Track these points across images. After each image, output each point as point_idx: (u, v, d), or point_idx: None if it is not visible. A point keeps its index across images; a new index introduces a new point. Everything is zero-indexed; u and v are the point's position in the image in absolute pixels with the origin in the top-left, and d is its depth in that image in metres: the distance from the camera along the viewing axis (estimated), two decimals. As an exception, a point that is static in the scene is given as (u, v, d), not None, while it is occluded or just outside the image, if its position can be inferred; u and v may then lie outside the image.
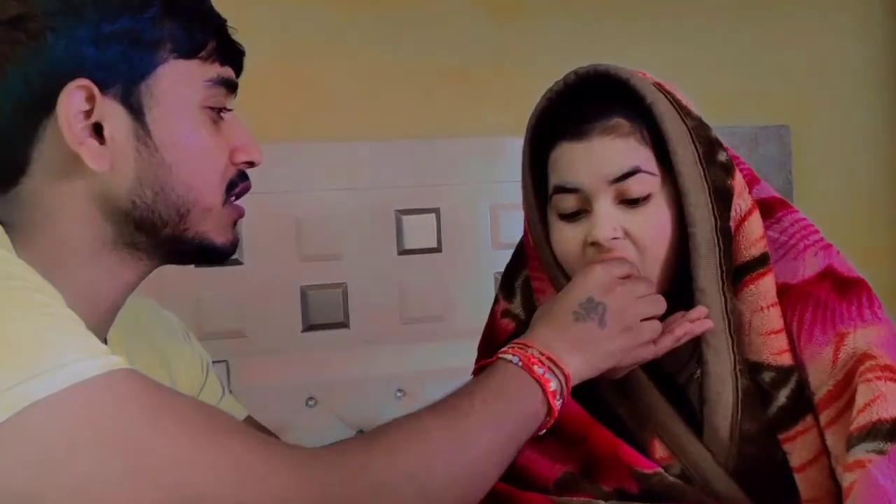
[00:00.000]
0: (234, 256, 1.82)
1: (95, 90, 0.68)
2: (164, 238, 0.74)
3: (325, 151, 1.85)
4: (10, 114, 0.68)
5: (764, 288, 0.87)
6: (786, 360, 0.86)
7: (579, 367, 0.79)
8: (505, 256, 1.88)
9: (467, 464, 0.71)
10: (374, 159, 1.87)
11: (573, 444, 0.90)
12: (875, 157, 2.04)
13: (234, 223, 0.78)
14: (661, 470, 0.88)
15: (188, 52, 0.72)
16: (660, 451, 0.89)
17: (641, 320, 0.82)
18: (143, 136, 0.71)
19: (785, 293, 0.88)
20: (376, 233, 1.87)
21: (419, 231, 1.90)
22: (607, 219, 0.85)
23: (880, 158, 2.04)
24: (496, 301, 1.02)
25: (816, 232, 0.93)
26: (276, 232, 1.83)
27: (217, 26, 0.76)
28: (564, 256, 0.89)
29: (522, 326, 0.96)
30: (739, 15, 1.97)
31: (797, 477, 0.86)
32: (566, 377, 0.78)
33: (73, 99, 0.68)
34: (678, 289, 0.88)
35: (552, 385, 0.76)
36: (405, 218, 1.89)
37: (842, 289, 0.88)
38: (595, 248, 0.86)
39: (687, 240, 0.86)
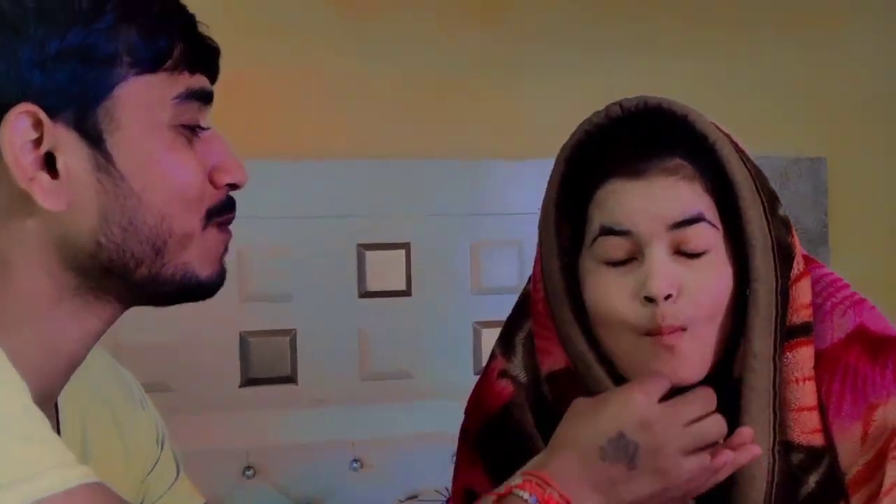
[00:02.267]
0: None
1: (43, 115, 0.70)
2: (140, 279, 0.75)
3: (272, 171, 1.90)
4: None
5: (802, 358, 0.96)
6: (818, 440, 0.95)
7: None
8: (486, 303, 2.01)
9: None
10: (333, 182, 1.95)
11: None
12: None
13: (222, 253, 0.81)
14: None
15: (151, 65, 0.73)
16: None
17: (688, 453, 0.86)
18: (104, 165, 0.72)
19: (816, 359, 0.97)
20: (333, 270, 1.96)
21: (385, 269, 1.99)
22: (665, 270, 0.91)
23: None
24: (492, 357, 1.08)
25: (846, 287, 1.02)
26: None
27: (183, 26, 0.76)
28: (608, 310, 0.93)
29: (521, 391, 1.03)
30: (771, 35, 2.09)
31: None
32: None
33: (17, 127, 0.69)
34: (725, 356, 0.96)
35: None
36: (369, 254, 1.98)
37: (874, 351, 0.97)
38: (648, 307, 0.91)
39: (741, 298, 0.94)
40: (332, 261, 1.96)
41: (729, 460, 0.86)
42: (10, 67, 0.69)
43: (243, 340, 1.92)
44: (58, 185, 0.71)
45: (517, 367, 1.05)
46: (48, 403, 0.79)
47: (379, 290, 1.99)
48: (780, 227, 0.98)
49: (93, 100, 0.71)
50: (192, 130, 0.77)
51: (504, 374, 1.05)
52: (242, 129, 1.87)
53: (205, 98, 0.78)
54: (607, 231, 0.94)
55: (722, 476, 0.88)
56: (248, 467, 1.87)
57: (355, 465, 1.91)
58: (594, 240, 0.96)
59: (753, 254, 0.94)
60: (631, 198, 0.93)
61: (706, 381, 0.97)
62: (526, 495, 0.83)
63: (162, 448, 1.01)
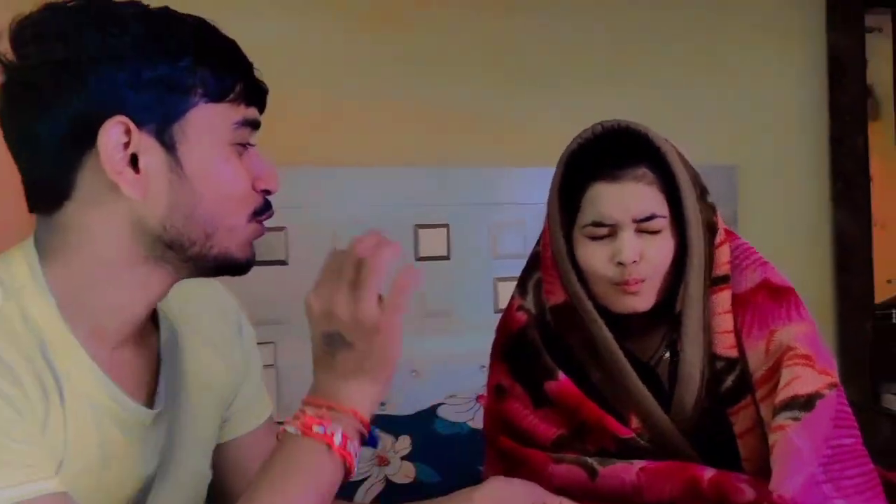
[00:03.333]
0: (280, 258, 1.98)
1: (132, 125, 0.67)
2: (192, 255, 0.72)
3: (358, 175, 1.94)
4: (56, 146, 0.67)
5: (723, 298, 0.99)
6: (734, 353, 0.98)
7: (362, 394, 0.70)
8: (502, 265, 2.02)
9: None
10: (400, 182, 1.96)
11: (567, 413, 1.01)
12: (807, 190, 2.12)
13: (252, 241, 0.75)
14: (635, 436, 1.00)
15: (217, 97, 0.70)
16: (634, 422, 1.00)
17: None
18: (175, 168, 0.69)
19: (734, 301, 1.00)
20: (398, 242, 1.97)
21: (433, 242, 2.00)
22: (631, 246, 0.95)
23: (812, 191, 2.12)
24: (512, 297, 1.11)
25: (756, 253, 1.05)
26: (318, 240, 1.92)
27: (244, 70, 0.73)
28: (591, 269, 0.98)
29: (532, 319, 1.06)
30: (694, 68, 2.06)
31: (739, 442, 0.98)
32: (353, 414, 0.69)
33: (112, 133, 0.67)
34: (669, 295, 0.99)
35: (337, 439, 0.68)
36: (421, 231, 1.99)
37: (774, 296, 1.00)
38: (620, 267, 0.96)
39: (681, 259, 0.98)
40: (398, 236, 1.95)
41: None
42: (110, 86, 0.66)
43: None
44: (139, 179, 0.68)
45: (529, 303, 1.08)
46: (120, 346, 0.74)
47: (429, 255, 1.99)
48: (708, 210, 1.00)
49: (172, 117, 0.68)
50: (243, 147, 0.73)
51: (520, 307, 1.08)
52: (339, 145, 1.92)
53: (255, 125, 0.74)
54: (597, 223, 0.97)
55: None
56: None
57: (413, 373, 1.92)
58: (585, 225, 0.98)
59: (689, 229, 0.97)
60: (610, 198, 0.97)
61: (656, 315, 1.00)
62: (291, 429, 0.70)
63: (249, 373, 0.91)
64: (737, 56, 2.08)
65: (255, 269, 1.80)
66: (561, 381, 1.00)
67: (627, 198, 0.95)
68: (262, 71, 0.76)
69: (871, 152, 2.10)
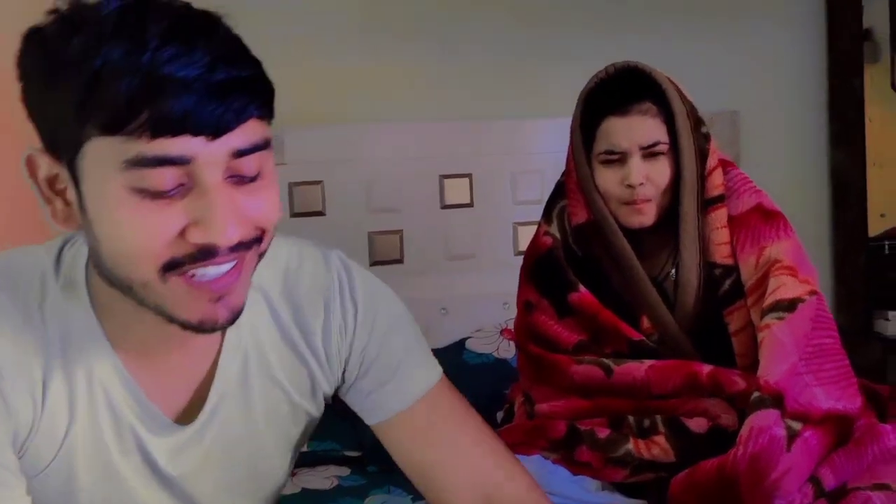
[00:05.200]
0: (318, 209, 2.13)
1: (50, 158, 0.59)
2: (139, 300, 0.61)
3: (388, 130, 2.06)
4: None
5: (720, 215, 1.14)
6: (730, 261, 1.14)
7: None
8: (521, 210, 2.16)
9: None
10: (424, 137, 2.08)
11: (587, 321, 1.17)
12: (806, 132, 2.21)
13: (206, 302, 0.59)
14: (645, 338, 1.16)
15: (109, 128, 0.55)
16: (645, 323, 1.16)
17: None
18: (83, 206, 0.59)
19: (731, 221, 1.15)
20: (425, 192, 2.09)
21: (457, 191, 2.12)
22: (638, 170, 1.10)
23: (811, 133, 2.21)
24: (539, 224, 1.25)
25: (750, 182, 1.20)
26: (351, 191, 2.07)
27: (152, 94, 0.54)
28: (606, 190, 1.14)
29: (557, 242, 1.20)
30: (695, 16, 2.13)
31: (733, 340, 1.14)
32: None
33: (40, 162, 0.60)
34: (670, 213, 1.14)
35: None
36: (446, 181, 2.10)
37: (766, 218, 1.15)
38: (629, 189, 1.11)
39: (679, 181, 1.12)
40: (424, 186, 2.07)
41: None
42: (32, 111, 0.60)
43: (370, 237, 2.08)
44: (66, 211, 0.61)
45: (554, 228, 1.22)
46: (161, 355, 0.67)
47: (453, 203, 2.11)
48: (701, 139, 1.15)
49: (72, 150, 0.57)
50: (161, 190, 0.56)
51: (546, 233, 1.22)
52: (369, 103, 2.04)
53: (169, 162, 0.55)
54: (609, 152, 1.12)
55: None
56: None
57: (443, 311, 2.05)
58: (599, 153, 1.13)
59: (682, 155, 1.12)
60: (620, 130, 1.11)
61: (662, 236, 1.15)
62: None
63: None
64: (736, 2, 2.15)
65: (295, 220, 1.99)
66: (582, 293, 1.16)
67: (635, 129, 1.10)
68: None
69: (869, 95, 2.19)
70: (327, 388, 0.77)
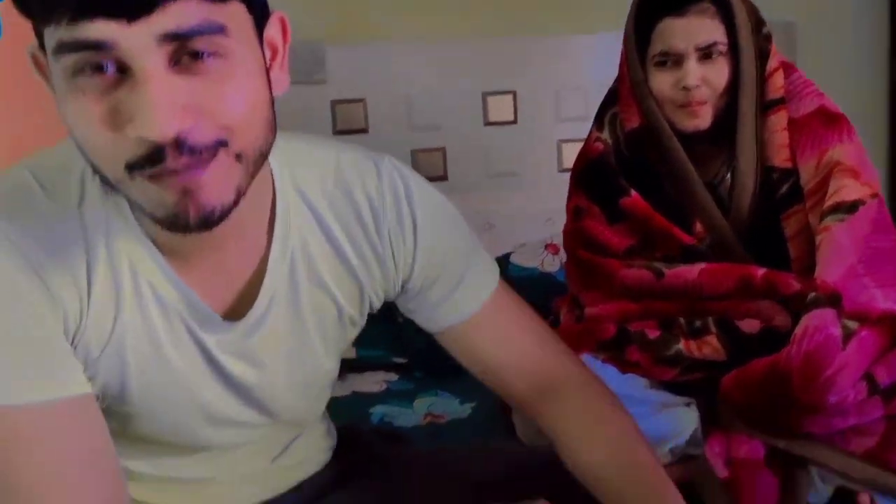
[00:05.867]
0: (361, 127, 2.13)
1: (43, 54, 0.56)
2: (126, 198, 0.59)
3: (430, 49, 2.03)
4: None
5: (780, 118, 1.12)
6: (789, 164, 1.11)
7: None
8: (565, 127, 2.13)
9: None
10: (469, 54, 2.05)
11: (638, 226, 1.16)
12: (864, 43, 2.14)
13: (176, 198, 0.54)
14: (697, 242, 1.15)
15: (43, 17, 0.52)
16: (698, 227, 1.15)
17: None
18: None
19: (791, 123, 1.12)
20: (468, 109, 2.07)
21: (501, 108, 2.09)
22: (694, 72, 1.07)
23: (869, 45, 2.14)
24: (591, 131, 1.24)
25: (812, 84, 1.16)
26: (393, 109, 2.06)
27: None
28: (661, 93, 1.11)
29: (608, 148, 1.18)
30: None
31: (789, 244, 1.13)
32: None
33: (42, 60, 0.56)
34: (726, 116, 1.11)
35: None
36: (490, 98, 2.08)
37: (828, 121, 1.12)
38: (684, 91, 1.08)
39: (736, 83, 1.09)
40: (468, 104, 2.06)
41: None
42: None
43: (413, 155, 2.09)
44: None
45: (606, 134, 1.20)
46: (204, 254, 0.64)
47: (497, 121, 2.09)
48: (762, 40, 1.11)
49: (41, 44, 0.55)
50: (103, 78, 0.52)
51: (597, 139, 1.21)
52: (411, 20, 2.00)
53: (86, 47, 0.51)
54: (664, 53, 1.09)
55: None
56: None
57: (487, 227, 2.04)
58: (654, 55, 1.10)
59: (742, 55, 1.09)
60: (676, 31, 1.08)
61: (717, 140, 1.13)
62: None
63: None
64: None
65: (337, 138, 1.98)
66: (633, 197, 1.15)
67: (692, 29, 1.07)
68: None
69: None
70: (376, 299, 0.75)
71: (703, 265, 1.11)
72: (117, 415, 0.66)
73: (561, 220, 1.27)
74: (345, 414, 1.40)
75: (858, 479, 0.98)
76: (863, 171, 1.09)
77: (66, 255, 0.60)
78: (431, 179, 2.15)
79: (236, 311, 0.67)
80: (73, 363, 0.60)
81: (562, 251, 1.73)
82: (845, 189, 1.06)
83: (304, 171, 0.69)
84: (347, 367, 1.66)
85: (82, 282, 0.61)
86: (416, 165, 2.08)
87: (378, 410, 1.45)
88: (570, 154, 1.24)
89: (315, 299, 0.70)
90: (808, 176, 1.10)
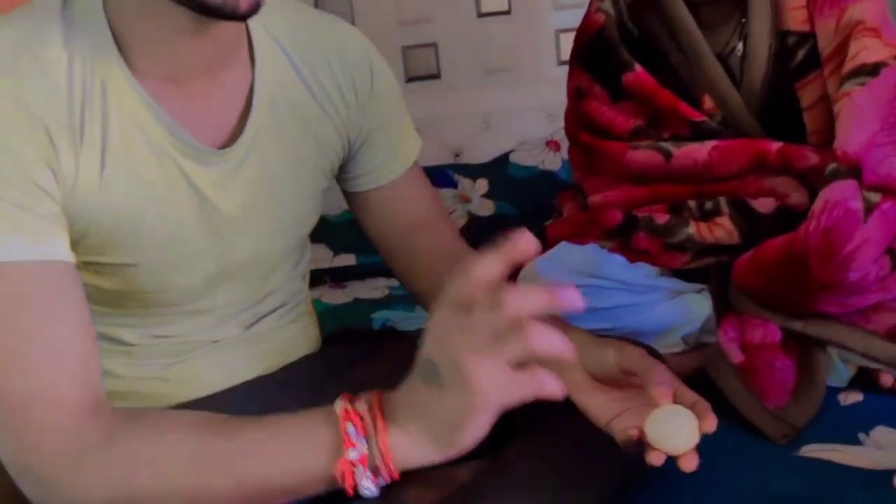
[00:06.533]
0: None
1: None
2: None
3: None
4: None
5: None
6: (806, 27, 1.02)
7: (416, 440, 0.54)
8: (563, 15, 2.02)
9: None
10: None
11: (644, 104, 1.08)
12: None
13: None
14: (707, 119, 1.07)
15: None
16: (707, 103, 1.07)
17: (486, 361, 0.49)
18: None
19: None
20: (460, 0, 1.96)
21: (493, -4, 1.98)
22: None
23: None
24: (590, 3, 1.14)
25: None
26: (381, 1, 1.94)
27: None
28: None
29: (611, 20, 1.09)
30: None
31: (806, 115, 1.05)
32: (383, 451, 0.54)
33: None
34: None
35: (352, 453, 0.54)
36: (483, -14, 1.97)
37: (847, -22, 1.02)
38: None
39: None
40: None
41: (539, 382, 0.50)
42: None
43: (403, 52, 1.98)
44: None
45: (607, 5, 1.11)
46: (189, 84, 0.66)
47: (490, 11, 1.99)
48: None
49: None
50: None
51: (598, 9, 1.12)
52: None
53: None
54: None
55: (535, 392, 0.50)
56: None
57: (484, 125, 1.99)
58: None
59: None
60: None
61: (727, 7, 1.03)
62: (337, 403, 0.57)
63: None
64: None
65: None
66: (638, 73, 1.06)
67: None
68: None
69: None
70: (340, 151, 0.79)
71: (714, 143, 1.04)
72: (101, 268, 0.66)
73: (562, 115, 1.20)
74: (347, 320, 1.38)
75: (881, 358, 0.94)
76: (885, 30, 1.00)
77: (54, 101, 0.60)
78: (423, 78, 2.13)
79: (223, 147, 0.69)
80: (62, 228, 0.61)
81: (564, 148, 1.66)
82: (867, 50, 0.98)
83: (277, 20, 0.73)
84: (348, 274, 1.63)
85: (76, 130, 0.61)
86: (407, 63, 1.99)
87: (380, 315, 1.41)
88: (570, 45, 1.16)
89: (296, 137, 0.73)
90: (826, 39, 1.02)
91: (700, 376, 0.95)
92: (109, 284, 0.68)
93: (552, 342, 0.47)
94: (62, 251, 0.60)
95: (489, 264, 0.49)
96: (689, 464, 0.61)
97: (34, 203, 0.58)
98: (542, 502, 0.64)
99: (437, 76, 2.03)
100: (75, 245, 0.62)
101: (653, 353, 0.75)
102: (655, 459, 0.61)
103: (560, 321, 0.68)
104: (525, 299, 0.48)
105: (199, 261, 0.70)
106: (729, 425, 0.87)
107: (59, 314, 0.58)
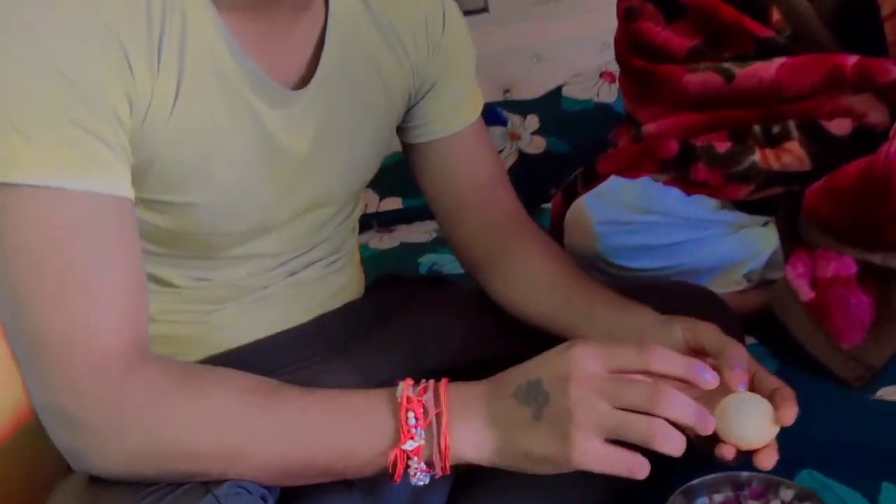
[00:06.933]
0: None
1: None
2: None
3: None
4: None
5: None
6: None
7: (480, 445, 0.53)
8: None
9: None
10: None
11: (702, 21, 0.99)
12: None
13: None
14: (775, 34, 0.97)
15: None
16: (775, 15, 0.97)
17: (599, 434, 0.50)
18: None
19: None
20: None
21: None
22: None
23: None
24: None
25: None
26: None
27: None
28: None
29: None
30: None
31: (886, 25, 0.94)
32: (442, 448, 0.52)
33: None
34: None
35: (410, 444, 0.52)
36: None
37: None
38: None
39: None
40: None
41: (631, 465, 0.50)
42: None
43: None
44: None
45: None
46: (267, 20, 0.63)
47: None
48: None
49: None
50: None
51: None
52: None
53: None
54: None
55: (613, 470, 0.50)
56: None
57: (535, 59, 1.93)
58: None
59: None
60: None
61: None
62: (399, 388, 0.55)
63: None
64: None
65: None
66: (695, -14, 0.97)
67: None
68: None
69: None
70: (406, 97, 0.76)
71: (782, 59, 0.95)
72: (158, 206, 0.62)
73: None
74: (393, 265, 1.35)
75: (969, 291, 0.85)
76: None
77: (137, 25, 0.55)
78: (471, 12, 2.04)
79: (294, 88, 0.66)
80: (127, 161, 0.56)
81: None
82: (959, -55, 0.86)
83: None
84: (395, 217, 1.60)
85: (154, 54, 0.56)
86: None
87: (427, 259, 1.38)
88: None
89: (365, 80, 0.71)
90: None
91: (765, 316, 0.88)
92: (164, 223, 0.64)
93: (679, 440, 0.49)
94: (125, 187, 0.55)
95: (671, 366, 0.51)
96: (767, 460, 0.54)
97: (106, 130, 0.53)
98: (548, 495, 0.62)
99: (485, 10, 1.94)
100: (135, 180, 0.58)
101: (717, 307, 0.69)
102: (726, 453, 0.54)
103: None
104: (678, 412, 0.49)
105: (259, 204, 0.67)
106: (796, 369, 0.81)
107: (113, 255, 0.54)
